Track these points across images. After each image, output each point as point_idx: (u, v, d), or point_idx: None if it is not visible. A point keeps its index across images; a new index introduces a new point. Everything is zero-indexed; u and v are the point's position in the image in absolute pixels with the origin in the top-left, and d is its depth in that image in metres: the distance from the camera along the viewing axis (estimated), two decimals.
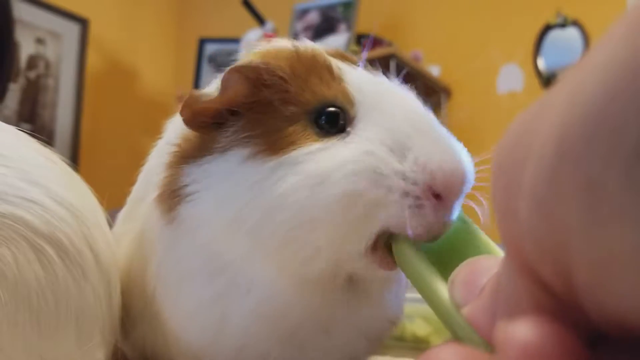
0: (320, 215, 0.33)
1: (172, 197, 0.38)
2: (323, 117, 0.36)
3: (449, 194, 0.33)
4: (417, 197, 0.32)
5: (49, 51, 2.79)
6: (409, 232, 0.32)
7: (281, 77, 0.36)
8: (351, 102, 0.36)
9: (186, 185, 0.37)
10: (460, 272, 0.26)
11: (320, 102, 0.36)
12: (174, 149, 0.39)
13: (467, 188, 0.34)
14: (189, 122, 0.38)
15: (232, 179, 0.35)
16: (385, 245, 0.34)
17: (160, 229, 0.39)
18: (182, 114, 0.38)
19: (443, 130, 0.35)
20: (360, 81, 0.37)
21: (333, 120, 0.35)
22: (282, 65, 0.37)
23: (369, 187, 0.33)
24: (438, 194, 0.32)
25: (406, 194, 0.32)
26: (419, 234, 0.32)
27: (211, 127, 0.38)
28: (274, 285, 0.36)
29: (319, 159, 0.34)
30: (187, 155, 0.38)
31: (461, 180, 0.33)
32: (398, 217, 0.32)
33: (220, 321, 0.38)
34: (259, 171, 0.35)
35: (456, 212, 0.34)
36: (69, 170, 0.43)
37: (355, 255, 0.34)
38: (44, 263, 0.35)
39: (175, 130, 0.42)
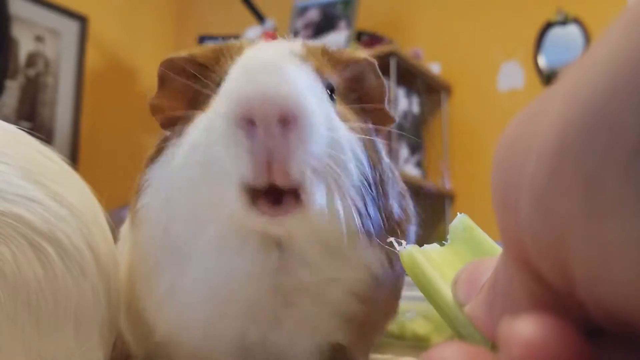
0: (195, 176, 0.37)
1: (134, 201, 0.42)
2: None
3: (254, 114, 0.32)
4: (235, 126, 0.33)
5: (49, 49, 2.79)
6: (242, 171, 0.33)
7: (201, 65, 0.41)
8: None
9: (142, 186, 0.41)
10: (464, 272, 0.26)
11: (218, 82, 0.39)
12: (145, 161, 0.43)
13: (276, 105, 0.32)
14: (164, 125, 0.44)
15: (165, 166, 0.40)
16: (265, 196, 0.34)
17: (130, 233, 0.43)
18: (156, 119, 0.43)
19: (270, 70, 0.34)
20: (245, 55, 0.39)
21: None
22: (204, 54, 0.42)
23: (204, 145, 0.36)
24: (249, 119, 0.32)
25: (226, 135, 0.34)
26: (247, 170, 0.33)
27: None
28: (220, 245, 0.38)
29: (192, 131, 0.38)
30: (148, 163, 0.42)
31: (262, 97, 0.32)
32: (224, 159, 0.34)
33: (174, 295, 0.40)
34: (174, 152, 0.39)
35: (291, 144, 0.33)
36: (68, 168, 0.42)
37: (241, 211, 0.35)
38: (43, 262, 0.34)
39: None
